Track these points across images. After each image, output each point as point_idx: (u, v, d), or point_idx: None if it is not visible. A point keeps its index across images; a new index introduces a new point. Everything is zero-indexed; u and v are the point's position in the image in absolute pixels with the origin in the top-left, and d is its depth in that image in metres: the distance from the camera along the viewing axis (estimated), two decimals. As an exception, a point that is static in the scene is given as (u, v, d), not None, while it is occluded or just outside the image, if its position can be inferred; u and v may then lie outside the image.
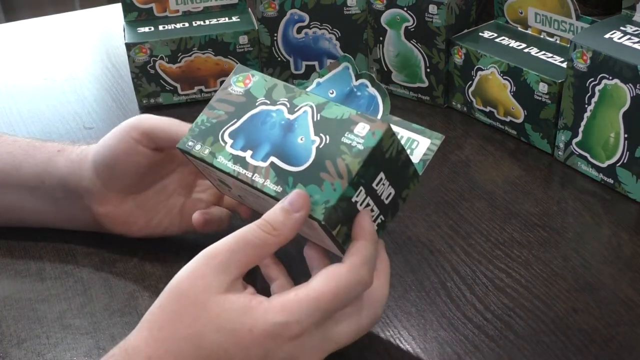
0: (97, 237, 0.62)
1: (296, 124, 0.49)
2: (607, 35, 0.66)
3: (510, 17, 0.81)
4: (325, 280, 0.44)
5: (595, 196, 0.67)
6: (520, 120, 0.74)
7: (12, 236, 0.63)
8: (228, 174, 0.49)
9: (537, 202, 0.67)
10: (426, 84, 0.81)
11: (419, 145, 0.52)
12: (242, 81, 0.52)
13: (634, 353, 0.51)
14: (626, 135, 0.64)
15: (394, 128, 0.51)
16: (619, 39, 0.66)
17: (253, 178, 0.48)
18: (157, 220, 0.59)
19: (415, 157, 0.52)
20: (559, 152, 0.72)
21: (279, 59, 0.84)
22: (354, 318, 0.46)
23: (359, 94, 0.53)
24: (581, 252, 0.60)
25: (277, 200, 0.47)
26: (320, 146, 0.47)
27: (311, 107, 0.49)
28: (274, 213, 0.45)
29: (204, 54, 0.81)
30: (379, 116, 0.52)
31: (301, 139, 0.48)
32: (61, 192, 0.58)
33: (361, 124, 0.47)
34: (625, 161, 0.65)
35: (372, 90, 0.53)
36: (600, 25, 0.69)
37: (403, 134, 0.53)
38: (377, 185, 0.48)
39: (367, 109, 0.52)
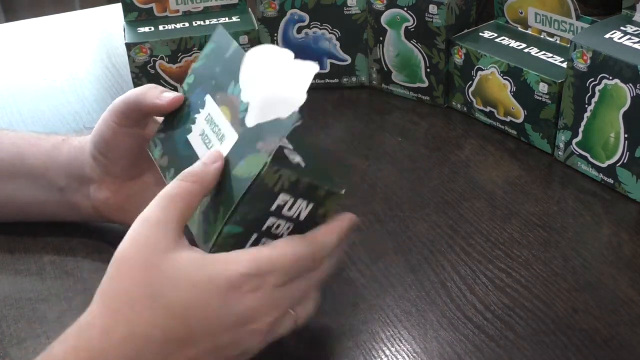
0: (98, 237, 0.62)
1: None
2: (607, 35, 0.66)
3: (510, 17, 0.81)
4: (289, 241, 0.45)
5: (595, 196, 0.67)
6: (520, 120, 0.74)
7: (13, 235, 0.63)
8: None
9: (537, 202, 0.67)
10: (426, 84, 0.81)
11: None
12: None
13: (634, 353, 0.51)
14: (626, 135, 0.64)
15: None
16: (619, 39, 0.66)
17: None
18: None
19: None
20: (559, 152, 0.72)
21: (279, 59, 0.84)
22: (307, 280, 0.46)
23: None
24: (581, 252, 0.60)
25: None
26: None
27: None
28: (192, 167, 0.46)
29: (204, 54, 0.81)
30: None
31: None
32: (64, 179, 0.59)
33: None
34: (625, 161, 0.65)
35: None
36: (600, 25, 0.69)
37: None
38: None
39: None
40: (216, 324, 0.42)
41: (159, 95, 0.53)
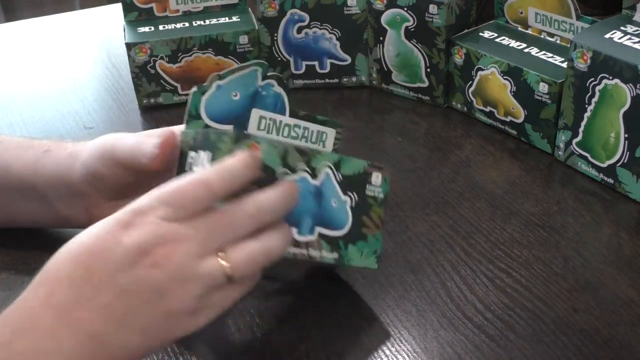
0: (97, 237, 0.62)
1: (324, 189, 0.51)
2: (607, 35, 0.66)
3: (510, 17, 0.81)
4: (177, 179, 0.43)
5: (595, 196, 0.67)
6: (520, 120, 0.74)
7: (12, 236, 0.63)
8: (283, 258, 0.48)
9: (538, 202, 0.67)
10: (426, 84, 0.81)
11: (327, 136, 0.55)
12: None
13: (634, 353, 0.51)
14: (626, 135, 0.64)
15: (305, 124, 0.54)
16: (619, 39, 0.66)
17: (310, 254, 0.50)
18: None
19: (328, 148, 0.55)
20: (559, 152, 0.72)
21: (279, 59, 0.84)
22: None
23: (264, 93, 0.53)
24: (581, 252, 0.60)
25: (336, 265, 0.52)
26: (353, 205, 0.52)
27: (330, 167, 0.51)
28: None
29: (204, 53, 0.81)
30: (287, 113, 0.54)
31: (334, 202, 0.51)
32: (53, 192, 0.58)
33: (374, 174, 0.53)
34: (625, 161, 0.65)
35: (277, 89, 0.53)
36: (601, 25, 0.69)
37: (313, 128, 0.54)
38: None
39: (275, 108, 0.53)
40: (113, 261, 0.41)
41: (151, 152, 0.51)
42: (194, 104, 0.51)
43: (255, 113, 0.52)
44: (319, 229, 0.50)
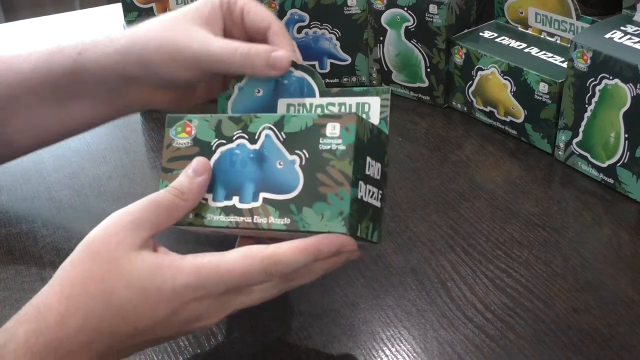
0: (97, 237, 0.62)
1: (265, 151, 0.48)
2: (607, 35, 0.66)
3: (510, 17, 0.81)
4: (240, 256, 0.44)
5: (595, 196, 0.67)
6: (520, 120, 0.74)
7: (13, 235, 0.63)
8: (225, 227, 0.49)
9: (538, 202, 0.67)
10: (426, 84, 0.81)
11: (371, 107, 0.51)
12: (183, 131, 0.51)
13: (634, 353, 0.51)
14: (626, 135, 0.64)
15: (339, 99, 0.51)
16: (619, 38, 0.66)
17: (255, 221, 0.48)
18: (211, 85, 0.60)
19: (375, 119, 0.51)
20: (559, 152, 0.72)
21: (279, 58, 0.84)
22: (259, 292, 0.47)
23: (285, 82, 0.52)
24: (581, 252, 0.60)
25: (290, 232, 0.47)
26: (303, 163, 0.47)
27: (270, 128, 0.48)
28: (181, 179, 0.48)
29: (204, 53, 0.81)
30: (317, 94, 0.52)
31: (280, 164, 0.48)
32: (102, 81, 0.58)
33: (330, 125, 0.47)
34: (625, 161, 0.65)
35: (298, 73, 0.53)
36: (601, 25, 0.69)
37: (351, 102, 0.52)
38: (368, 170, 0.47)
39: (302, 93, 0.52)
40: (161, 326, 0.45)
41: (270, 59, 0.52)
42: (222, 109, 0.53)
43: (282, 103, 0.52)
44: (264, 194, 0.48)
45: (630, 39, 0.65)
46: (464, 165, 0.72)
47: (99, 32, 1.05)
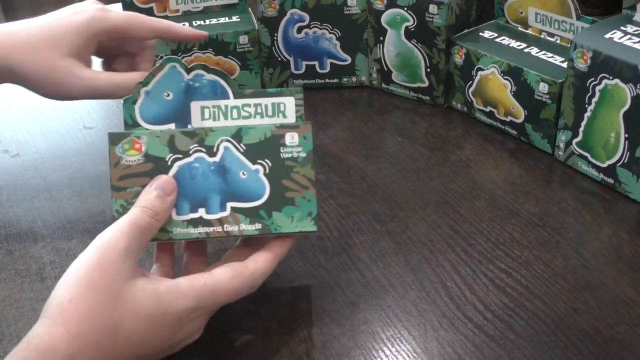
0: (97, 237, 0.62)
1: (227, 163, 0.51)
2: (607, 35, 0.66)
3: (510, 17, 0.81)
4: (231, 277, 0.48)
5: (595, 196, 0.67)
6: (520, 120, 0.74)
7: (13, 235, 0.63)
8: (195, 238, 0.50)
9: (538, 202, 0.67)
10: (426, 84, 0.81)
11: (286, 106, 0.53)
12: (131, 148, 0.51)
13: (634, 353, 0.51)
14: (626, 135, 0.64)
15: (255, 100, 0.53)
16: (619, 38, 0.66)
17: (226, 229, 0.50)
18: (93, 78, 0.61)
19: (291, 117, 0.53)
20: (559, 152, 0.72)
21: (279, 58, 0.84)
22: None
23: (197, 84, 0.53)
24: (581, 252, 0.60)
25: (263, 236, 0.51)
26: (267, 172, 0.51)
27: (228, 140, 0.51)
28: (151, 200, 0.49)
29: (204, 53, 0.81)
30: (231, 96, 0.53)
31: (243, 174, 0.51)
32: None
33: (288, 135, 0.51)
34: (625, 161, 0.65)
35: (209, 77, 0.53)
36: (601, 25, 0.69)
37: (266, 102, 0.53)
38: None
39: (215, 95, 0.53)
40: (160, 347, 0.47)
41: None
42: (128, 114, 0.53)
43: (195, 105, 0.53)
44: (232, 204, 0.51)
45: (630, 39, 0.65)
46: (464, 165, 0.72)
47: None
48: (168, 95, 0.53)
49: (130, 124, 0.52)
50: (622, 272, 0.58)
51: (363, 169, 0.72)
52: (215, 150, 0.51)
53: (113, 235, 0.46)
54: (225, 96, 0.53)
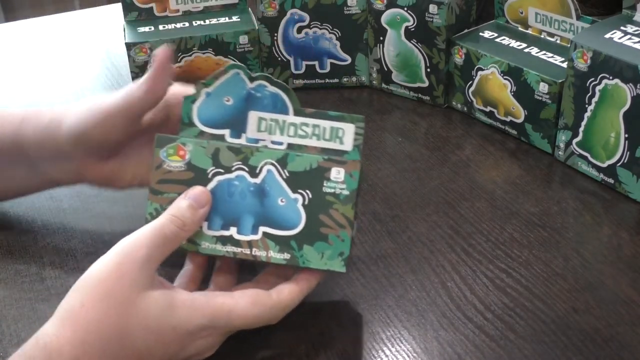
0: (98, 237, 0.62)
1: (267, 186, 0.49)
2: (607, 35, 0.66)
3: (510, 17, 0.81)
4: (251, 303, 0.47)
5: (595, 196, 0.67)
6: (520, 120, 0.74)
7: (13, 235, 0.63)
8: (222, 256, 0.50)
9: (538, 202, 0.67)
10: (426, 84, 0.81)
11: (345, 133, 0.52)
12: (175, 153, 0.50)
13: (634, 353, 0.51)
14: (626, 135, 0.64)
15: (314, 121, 0.51)
16: (619, 38, 0.66)
17: (254, 254, 0.49)
18: (143, 170, 0.57)
19: (348, 145, 0.52)
20: (559, 152, 0.72)
21: (279, 58, 0.84)
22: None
23: (258, 95, 0.52)
24: (581, 252, 0.60)
25: (290, 266, 0.50)
26: (306, 203, 0.49)
27: (273, 164, 0.50)
28: (182, 209, 0.48)
29: (204, 53, 0.81)
30: (290, 112, 0.52)
31: (282, 201, 0.49)
32: (39, 157, 0.57)
33: (334, 170, 0.50)
34: (625, 161, 0.65)
35: (272, 88, 0.52)
36: (601, 25, 0.69)
37: (325, 125, 0.52)
38: (358, 207, 0.51)
39: (274, 108, 0.52)
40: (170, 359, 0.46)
41: (143, 82, 0.54)
42: (186, 112, 0.52)
43: (253, 115, 0.52)
44: (264, 229, 0.49)
45: (630, 39, 0.65)
46: (464, 165, 0.72)
47: (98, 32, 1.06)
48: (228, 100, 0.52)
49: (187, 122, 0.52)
50: (622, 272, 0.58)
51: (363, 169, 0.72)
52: (257, 171, 0.50)
53: (135, 242, 0.46)
54: (285, 111, 0.52)
